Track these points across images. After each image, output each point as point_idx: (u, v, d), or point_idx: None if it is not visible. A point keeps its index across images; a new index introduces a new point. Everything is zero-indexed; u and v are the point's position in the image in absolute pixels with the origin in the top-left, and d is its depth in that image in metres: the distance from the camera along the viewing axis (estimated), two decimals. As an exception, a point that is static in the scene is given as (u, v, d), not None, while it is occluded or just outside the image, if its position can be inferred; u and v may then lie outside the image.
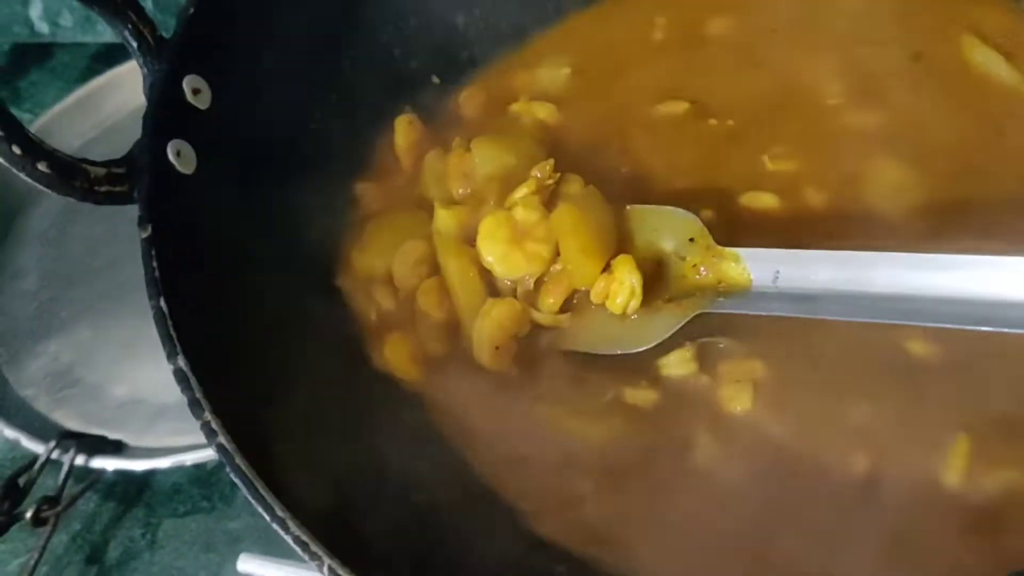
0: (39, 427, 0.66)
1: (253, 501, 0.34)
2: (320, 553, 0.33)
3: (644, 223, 0.47)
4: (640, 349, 0.45)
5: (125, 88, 0.84)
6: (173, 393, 0.65)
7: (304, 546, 0.33)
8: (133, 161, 0.42)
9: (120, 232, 0.76)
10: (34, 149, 0.38)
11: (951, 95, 0.50)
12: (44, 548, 0.61)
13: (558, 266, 0.46)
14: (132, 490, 0.67)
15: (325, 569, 0.32)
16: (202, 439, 0.62)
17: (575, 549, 0.41)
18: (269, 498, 0.34)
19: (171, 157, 0.42)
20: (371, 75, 0.53)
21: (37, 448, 0.63)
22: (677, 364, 0.45)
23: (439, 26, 0.56)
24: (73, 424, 0.67)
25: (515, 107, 0.54)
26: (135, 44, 0.44)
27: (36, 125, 0.81)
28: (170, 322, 0.38)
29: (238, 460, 0.34)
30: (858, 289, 0.41)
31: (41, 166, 0.38)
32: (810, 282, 0.42)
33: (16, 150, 0.37)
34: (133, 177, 0.41)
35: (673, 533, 0.40)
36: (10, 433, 0.65)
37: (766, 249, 0.44)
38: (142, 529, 0.65)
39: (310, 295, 0.46)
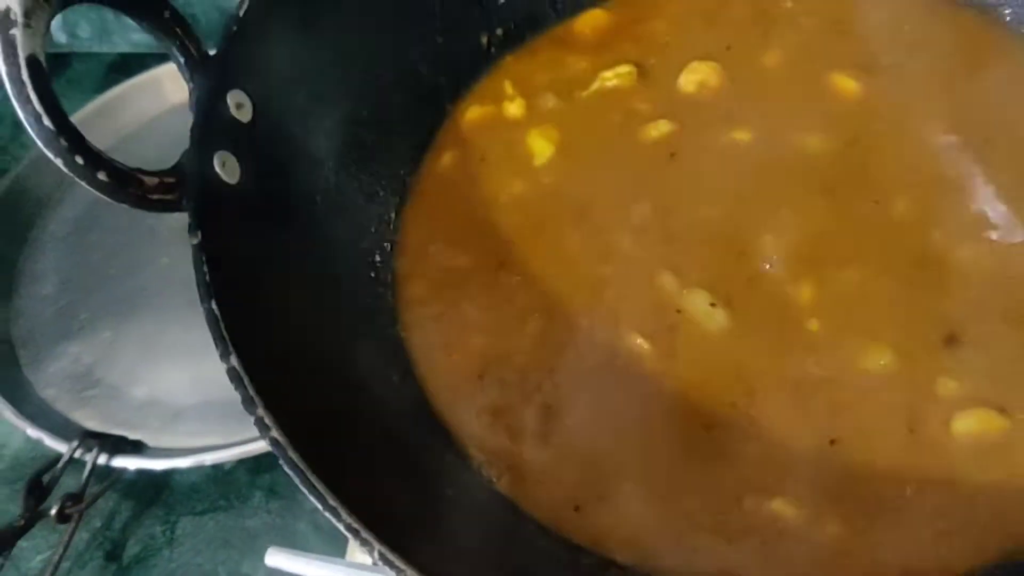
0: (61, 427, 0.68)
1: (306, 491, 0.36)
2: (370, 539, 0.35)
3: None
4: None
5: (142, 98, 0.86)
6: (191, 395, 0.70)
7: (355, 533, 0.35)
8: (182, 171, 0.44)
9: (137, 238, 0.79)
10: (95, 159, 0.40)
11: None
12: (67, 544, 0.63)
13: None
14: (151, 489, 0.69)
15: (375, 554, 0.35)
16: (220, 440, 0.66)
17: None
18: (321, 488, 0.36)
19: (216, 167, 0.45)
20: (402, 91, 0.56)
21: (60, 447, 0.65)
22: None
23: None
24: (93, 424, 0.69)
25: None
26: (182, 60, 0.46)
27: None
28: (222, 324, 0.40)
29: (291, 453, 0.37)
30: None
31: (100, 175, 0.40)
32: None
33: (79, 160, 0.40)
34: (183, 186, 0.43)
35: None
36: (33, 433, 0.66)
37: None
38: (161, 527, 0.67)
39: (355, 291, 0.48)
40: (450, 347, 0.49)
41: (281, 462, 0.37)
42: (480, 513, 0.43)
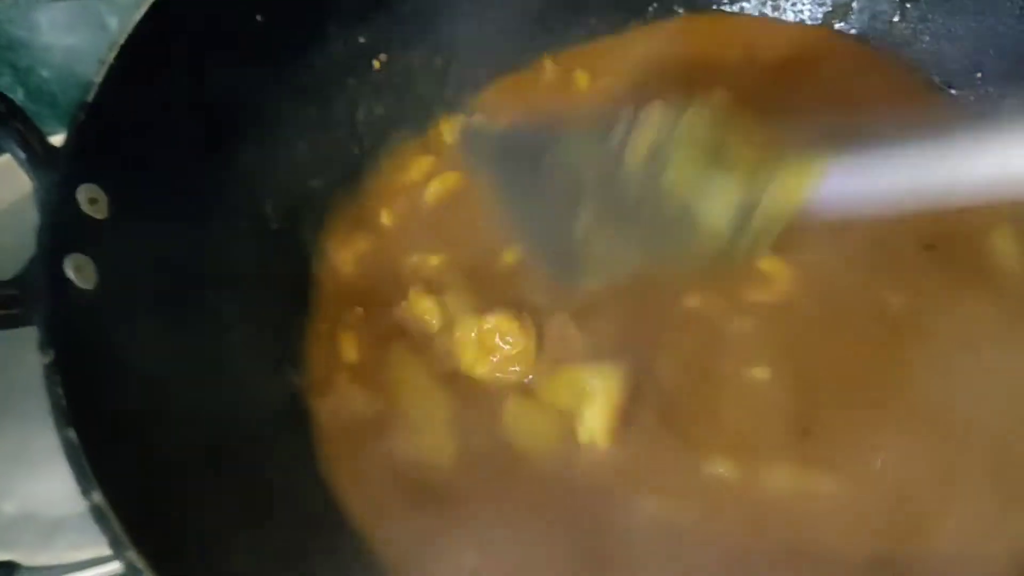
0: (-81, 557, 0.61)
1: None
2: None
3: None
4: None
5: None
6: (70, 503, 0.63)
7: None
8: (26, 280, 0.39)
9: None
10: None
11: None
12: None
13: None
14: (32, 615, 0.62)
15: None
16: (107, 550, 0.60)
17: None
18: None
19: (69, 273, 0.40)
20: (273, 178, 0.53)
21: (-84, 581, 0.59)
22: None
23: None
24: (-42, 548, 0.62)
25: None
26: (23, 155, 0.42)
27: None
28: (83, 454, 0.35)
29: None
30: None
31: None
32: None
33: None
34: (28, 297, 0.39)
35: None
36: None
37: None
38: (44, 656, 0.61)
39: (232, 416, 0.45)
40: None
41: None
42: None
